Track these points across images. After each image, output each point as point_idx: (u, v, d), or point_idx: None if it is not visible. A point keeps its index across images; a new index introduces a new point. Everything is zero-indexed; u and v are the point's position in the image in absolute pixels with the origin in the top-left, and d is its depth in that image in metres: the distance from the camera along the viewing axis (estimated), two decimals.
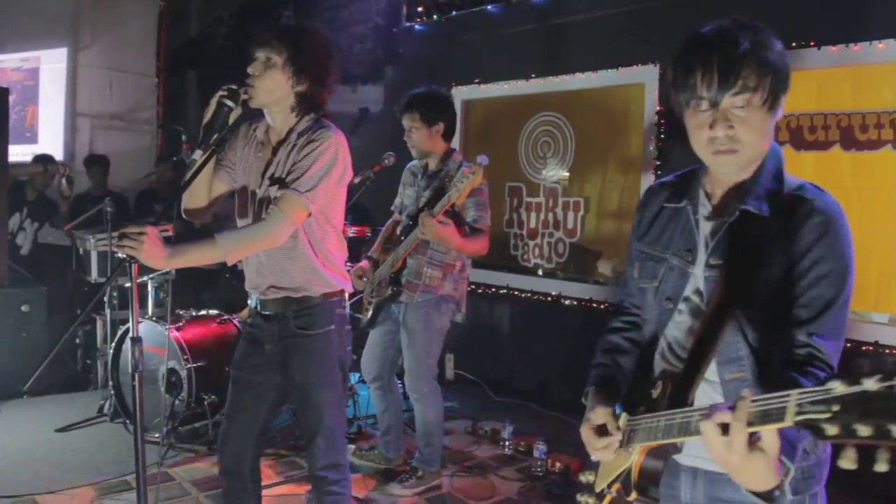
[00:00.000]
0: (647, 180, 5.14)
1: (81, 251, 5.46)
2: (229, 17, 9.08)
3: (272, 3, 7.97)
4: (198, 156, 2.53)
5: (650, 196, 1.92)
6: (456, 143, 5.40)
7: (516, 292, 6.04)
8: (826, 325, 1.54)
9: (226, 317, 5.01)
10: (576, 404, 1.91)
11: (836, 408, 1.12)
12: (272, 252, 2.71)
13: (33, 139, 7.99)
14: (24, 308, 5.69)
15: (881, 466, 1.06)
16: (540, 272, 5.94)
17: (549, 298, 5.79)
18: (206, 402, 4.56)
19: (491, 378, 6.08)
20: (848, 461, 1.10)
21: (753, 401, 1.27)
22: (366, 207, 5.90)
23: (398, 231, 4.17)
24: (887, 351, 4.08)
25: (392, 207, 4.37)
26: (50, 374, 5.64)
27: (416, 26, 6.81)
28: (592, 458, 1.79)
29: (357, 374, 5.36)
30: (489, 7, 6.11)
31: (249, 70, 2.65)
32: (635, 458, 1.65)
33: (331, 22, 7.74)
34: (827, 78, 4.29)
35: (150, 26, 8.48)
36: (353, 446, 4.54)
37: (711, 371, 1.65)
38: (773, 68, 1.58)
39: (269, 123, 2.79)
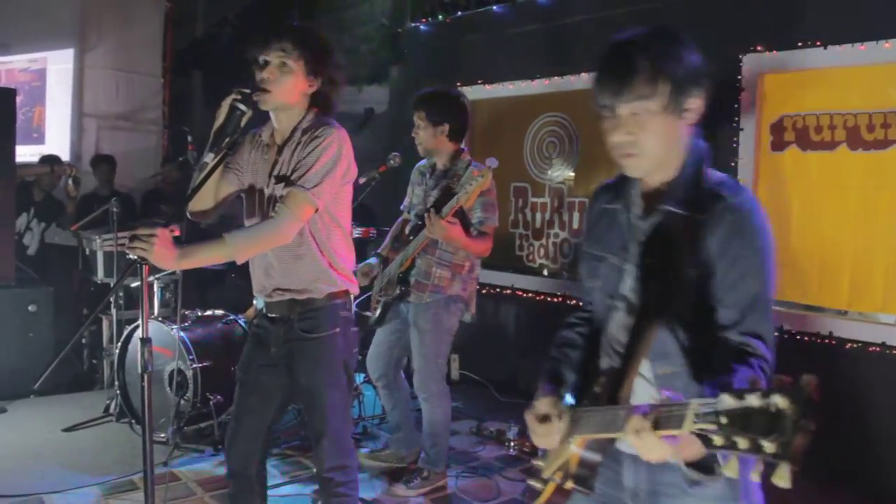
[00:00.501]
0: None
1: (88, 251, 5.47)
2: (235, 17, 9.10)
3: (277, 5, 7.99)
4: (209, 159, 2.55)
5: (594, 199, 2.01)
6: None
7: (521, 293, 6.04)
8: (755, 321, 1.61)
9: (231, 317, 5.02)
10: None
11: (723, 420, 1.19)
12: (280, 252, 2.71)
13: (40, 140, 8.02)
14: (30, 308, 5.71)
15: (754, 478, 1.17)
16: (545, 272, 5.94)
17: (555, 299, 5.79)
18: (211, 403, 4.56)
19: (496, 378, 6.08)
20: (730, 470, 1.22)
21: (664, 406, 1.37)
22: (370, 208, 5.90)
23: (407, 230, 4.17)
24: (894, 352, 4.07)
25: (401, 207, 4.38)
26: (56, 374, 5.64)
27: (422, 27, 6.80)
28: (536, 444, 1.86)
29: (363, 375, 5.38)
30: (494, 7, 6.11)
31: (264, 75, 2.65)
32: (573, 448, 1.71)
33: (336, 23, 7.76)
34: (833, 78, 4.28)
35: (156, 27, 8.49)
36: (366, 450, 4.53)
37: (646, 367, 1.71)
38: (671, 76, 1.65)
39: (274, 125, 2.80)
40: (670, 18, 4.98)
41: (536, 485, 1.84)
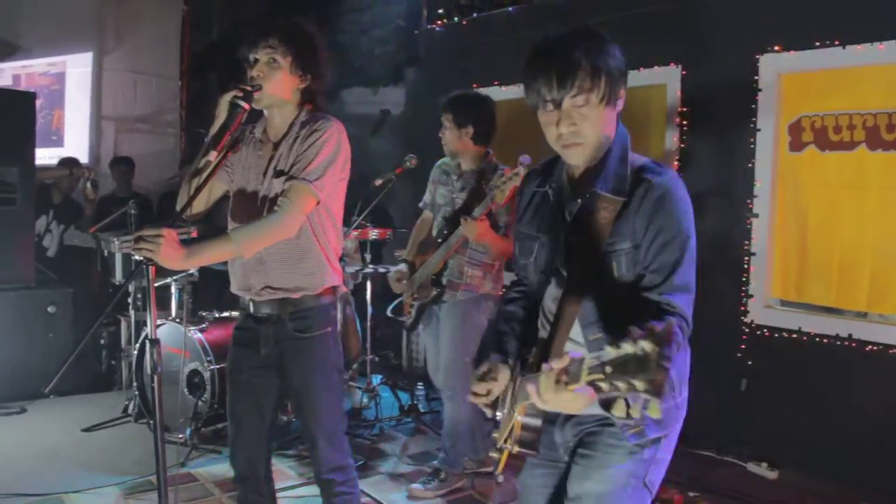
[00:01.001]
0: None
1: (106, 253, 5.51)
2: (250, 20, 9.13)
3: (293, 6, 8.01)
4: (212, 157, 2.55)
5: (525, 182, 2.21)
6: None
7: None
8: (675, 284, 1.80)
9: None
10: None
11: (608, 369, 1.36)
12: (281, 248, 2.69)
13: (59, 142, 8.08)
14: (50, 309, 5.75)
15: (635, 413, 1.37)
16: None
17: None
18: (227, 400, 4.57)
19: None
20: (618, 410, 1.45)
21: (569, 363, 1.52)
22: (386, 209, 5.91)
23: (434, 233, 4.18)
24: None
25: (420, 204, 4.37)
26: (76, 375, 5.69)
27: (438, 28, 6.80)
28: (486, 413, 2.04)
29: (379, 377, 5.39)
30: (510, 9, 6.10)
31: (253, 73, 2.66)
32: (517, 416, 1.88)
33: (352, 24, 7.77)
34: (852, 77, 4.24)
35: (173, 30, 8.55)
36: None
37: (577, 333, 1.89)
38: (606, 70, 1.83)
39: (269, 122, 2.80)
40: (686, 19, 4.96)
41: (494, 455, 2.00)
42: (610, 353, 1.35)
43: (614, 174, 1.88)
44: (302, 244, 2.71)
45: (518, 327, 2.12)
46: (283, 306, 2.74)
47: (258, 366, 2.78)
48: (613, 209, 1.84)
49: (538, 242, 2.03)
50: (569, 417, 2.00)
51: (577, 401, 1.56)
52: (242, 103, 2.57)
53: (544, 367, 1.58)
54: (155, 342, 2.36)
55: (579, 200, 1.92)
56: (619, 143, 1.93)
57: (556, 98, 1.84)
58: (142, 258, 2.33)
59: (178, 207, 2.66)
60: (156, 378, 2.35)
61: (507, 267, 4.29)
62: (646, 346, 1.29)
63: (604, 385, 1.36)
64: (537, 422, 1.87)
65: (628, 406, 1.44)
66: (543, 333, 1.97)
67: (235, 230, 2.59)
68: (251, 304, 2.79)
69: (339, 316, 2.89)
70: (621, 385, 1.32)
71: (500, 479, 2.07)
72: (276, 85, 2.67)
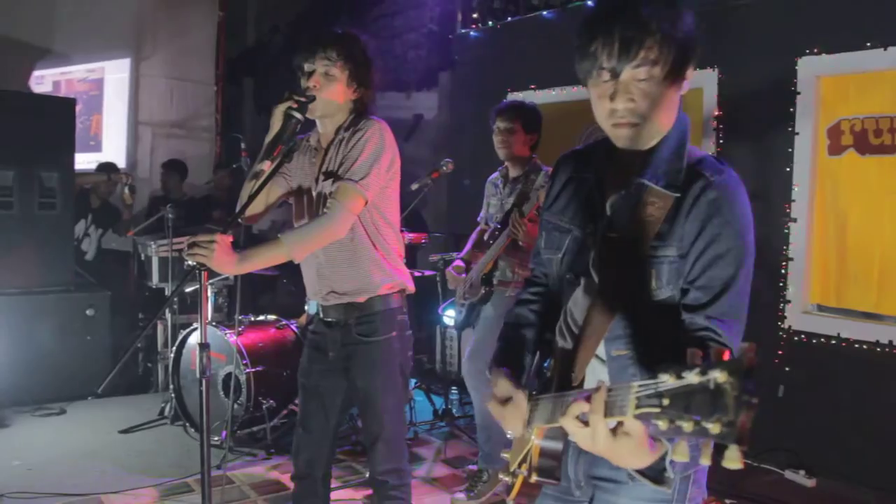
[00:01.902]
0: None
1: (143, 257, 5.59)
2: (285, 25, 9.21)
3: (327, 11, 8.07)
4: (266, 166, 2.59)
5: (560, 165, 1.88)
6: None
7: None
8: (724, 307, 1.49)
9: (283, 322, 5.07)
10: None
11: (665, 402, 1.08)
12: (333, 251, 2.73)
13: (97, 147, 8.21)
14: (88, 312, 5.84)
15: (704, 461, 1.03)
16: None
17: None
18: (264, 407, 4.62)
19: None
20: (680, 454, 1.09)
21: (609, 390, 1.24)
22: (421, 215, 5.92)
23: (486, 236, 4.23)
24: None
25: (478, 218, 4.44)
26: (113, 377, 5.74)
27: (472, 33, 6.81)
28: (507, 434, 1.75)
29: (413, 381, 5.40)
30: (544, 13, 6.09)
31: (309, 84, 2.69)
32: (534, 439, 1.61)
33: (385, 29, 7.80)
34: (893, 80, 4.18)
35: (209, 36, 8.65)
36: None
37: (601, 349, 1.61)
38: (677, 42, 1.53)
39: (320, 130, 2.85)
40: (722, 22, 4.91)
41: (507, 478, 1.75)
42: (666, 380, 1.08)
43: (668, 166, 1.58)
44: (356, 246, 2.74)
45: (529, 334, 1.85)
46: (350, 311, 2.78)
47: (326, 369, 2.85)
48: (662, 207, 1.54)
49: (570, 236, 1.74)
50: (581, 450, 1.66)
51: (605, 441, 1.26)
52: (297, 115, 2.59)
53: (580, 393, 1.33)
54: (205, 346, 2.40)
55: (623, 191, 1.63)
56: (677, 132, 1.63)
57: (615, 67, 1.53)
58: (195, 263, 2.37)
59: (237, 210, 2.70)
60: (203, 382, 2.39)
61: None
62: (719, 377, 1.02)
63: (661, 422, 1.08)
64: (558, 446, 1.59)
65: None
66: (565, 345, 1.67)
67: (286, 234, 2.62)
68: (321, 308, 2.86)
69: (406, 320, 2.89)
70: (685, 425, 1.04)
71: None
72: (331, 96, 2.71)
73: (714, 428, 1.01)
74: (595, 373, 1.63)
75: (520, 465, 1.70)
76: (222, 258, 2.37)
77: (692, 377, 1.04)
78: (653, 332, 1.54)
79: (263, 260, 2.61)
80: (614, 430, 1.25)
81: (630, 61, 1.52)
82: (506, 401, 1.64)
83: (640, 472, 1.38)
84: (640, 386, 1.15)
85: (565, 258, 1.75)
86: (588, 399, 1.28)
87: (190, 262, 2.39)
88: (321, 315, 2.87)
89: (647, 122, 1.57)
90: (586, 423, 1.28)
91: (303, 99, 2.61)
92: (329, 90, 2.69)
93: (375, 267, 2.76)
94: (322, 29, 2.79)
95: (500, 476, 1.83)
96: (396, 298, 2.82)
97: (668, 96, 1.58)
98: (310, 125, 2.83)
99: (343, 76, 2.71)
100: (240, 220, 2.80)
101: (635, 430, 1.22)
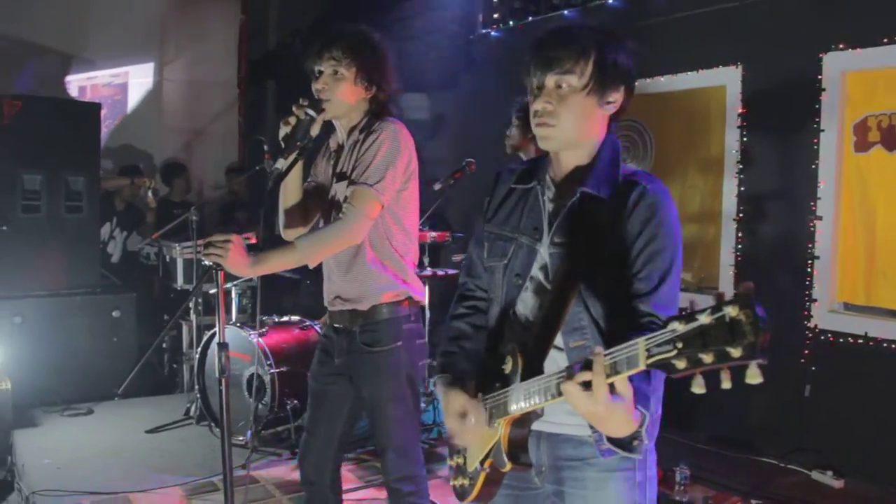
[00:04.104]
0: (730, 184, 5.03)
1: (168, 259, 5.63)
2: (306, 28, 9.25)
3: (347, 13, 8.09)
4: (280, 164, 2.55)
5: (499, 179, 2.06)
6: None
7: None
8: (663, 295, 1.71)
9: (307, 323, 5.09)
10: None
11: (679, 345, 1.27)
12: (338, 258, 2.71)
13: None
14: (114, 314, 5.90)
15: (726, 384, 1.21)
16: None
17: None
18: (288, 407, 4.64)
19: None
20: (698, 387, 1.25)
21: (606, 355, 1.43)
22: (443, 214, 5.92)
23: None
24: None
25: None
26: (139, 378, 5.82)
27: (493, 33, 6.81)
28: (459, 443, 1.92)
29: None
30: (566, 12, 6.07)
31: (318, 86, 2.67)
32: (502, 431, 1.76)
33: (405, 31, 7.81)
34: None
35: (231, 39, 8.70)
36: None
37: (557, 340, 1.79)
38: (597, 60, 1.77)
39: (337, 132, 2.82)
40: (746, 18, 4.88)
41: (464, 482, 1.91)
42: (677, 327, 1.27)
43: (606, 176, 1.80)
44: (359, 251, 2.69)
45: (469, 344, 2.02)
46: (354, 318, 2.74)
47: (333, 373, 2.82)
48: (604, 212, 1.76)
49: (514, 244, 1.90)
50: (542, 435, 1.87)
51: (604, 402, 1.44)
52: (311, 112, 2.57)
53: (574, 367, 1.49)
54: (224, 346, 2.40)
55: (572, 199, 1.81)
56: (609, 146, 1.86)
57: (540, 77, 1.80)
58: (211, 263, 2.37)
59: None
60: (223, 381, 2.39)
61: None
62: (731, 311, 1.19)
63: (678, 362, 1.26)
64: (524, 432, 1.77)
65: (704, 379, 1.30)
66: (514, 340, 1.81)
67: (300, 238, 2.59)
68: (329, 313, 2.84)
69: (417, 328, 2.83)
70: (706, 357, 1.22)
71: None
72: (341, 96, 2.67)
73: (736, 352, 1.18)
74: (556, 362, 1.78)
75: (482, 463, 1.82)
76: (236, 259, 2.36)
77: (704, 318, 1.23)
78: (606, 322, 1.75)
79: (277, 263, 2.59)
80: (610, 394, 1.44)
81: (549, 70, 1.78)
82: (462, 415, 1.83)
83: (615, 442, 1.61)
84: (648, 339, 1.34)
85: (510, 263, 1.91)
86: (584, 366, 1.46)
87: (206, 263, 2.39)
88: (328, 320, 2.85)
89: (564, 126, 1.79)
90: (587, 388, 1.45)
91: (313, 104, 2.58)
92: (337, 90, 2.66)
93: (377, 273, 2.71)
94: (331, 30, 2.74)
95: (452, 483, 1.95)
96: (405, 307, 2.76)
97: (589, 110, 1.80)
98: (329, 128, 2.80)
99: (350, 74, 2.66)
100: (284, 236, 2.79)
101: (626, 392, 1.45)
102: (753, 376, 1.17)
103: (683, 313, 1.28)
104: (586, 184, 1.79)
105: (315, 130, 2.60)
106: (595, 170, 1.82)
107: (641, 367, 1.35)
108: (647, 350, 1.34)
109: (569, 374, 1.49)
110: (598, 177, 1.80)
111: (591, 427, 1.74)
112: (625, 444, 1.61)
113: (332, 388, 2.82)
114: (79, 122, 5.94)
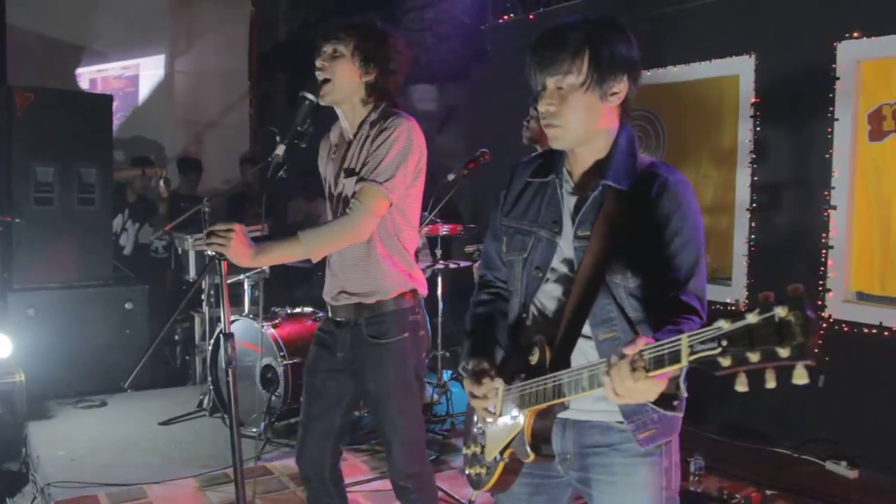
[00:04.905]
0: (743, 174, 5.00)
1: (180, 251, 5.64)
2: (316, 20, 9.25)
3: (358, 4, 8.07)
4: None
5: (514, 173, 2.06)
6: None
7: None
8: (693, 286, 1.72)
9: (320, 314, 5.10)
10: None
11: (725, 342, 1.27)
12: (345, 253, 2.69)
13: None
14: (127, 306, 5.92)
15: (771, 384, 1.23)
16: None
17: None
18: (301, 398, 4.64)
19: None
20: (742, 385, 1.26)
21: (648, 350, 1.44)
22: (456, 205, 5.91)
23: None
24: None
25: None
26: (152, 370, 5.85)
27: (503, 23, 6.78)
28: (476, 425, 1.97)
29: (449, 372, 5.41)
30: (577, 1, 6.04)
31: (317, 63, 2.65)
32: (525, 422, 1.77)
33: (417, 22, 7.80)
34: None
35: (241, 31, 8.70)
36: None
37: (585, 331, 1.80)
38: (594, 56, 1.77)
39: (342, 123, 2.79)
40: (759, 7, 4.85)
41: (480, 471, 1.91)
42: (723, 325, 1.27)
43: (624, 167, 1.81)
44: (371, 248, 2.67)
45: (494, 329, 2.04)
46: (360, 311, 2.71)
47: (333, 369, 2.78)
48: (625, 204, 1.77)
49: (534, 237, 1.91)
50: (567, 423, 1.87)
51: (657, 387, 1.48)
52: (309, 96, 2.57)
53: (612, 358, 1.50)
54: (229, 336, 2.39)
55: (594, 193, 1.82)
56: (624, 138, 1.86)
57: (539, 79, 1.82)
58: (213, 253, 2.37)
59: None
60: (230, 372, 2.38)
61: None
62: (781, 312, 1.19)
63: (723, 360, 1.27)
64: (547, 423, 1.79)
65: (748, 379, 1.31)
66: (536, 332, 1.83)
67: (305, 232, 2.56)
68: (330, 307, 2.81)
69: (421, 320, 2.81)
70: (752, 356, 1.22)
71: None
72: (340, 76, 2.63)
73: (784, 352, 1.19)
74: (584, 353, 1.81)
75: (501, 453, 1.83)
76: (238, 248, 2.35)
77: (751, 318, 1.23)
78: (634, 314, 1.77)
79: (280, 255, 2.58)
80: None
81: (547, 72, 1.79)
82: (477, 374, 1.87)
83: (657, 403, 1.57)
84: (691, 336, 1.34)
85: (530, 257, 1.92)
86: (633, 358, 1.46)
87: (209, 252, 2.38)
88: (330, 314, 2.81)
89: (569, 125, 1.80)
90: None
91: (309, 96, 2.58)
92: (335, 68, 2.63)
93: (390, 270, 2.68)
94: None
95: (467, 472, 1.95)
96: (409, 298, 2.73)
97: (593, 105, 1.80)
98: (329, 120, 2.79)
99: (347, 51, 2.63)
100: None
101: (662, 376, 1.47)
102: (800, 377, 1.18)
103: (730, 311, 1.28)
104: (606, 176, 1.80)
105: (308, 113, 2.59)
106: (613, 162, 1.82)
107: (684, 363, 1.36)
108: (691, 346, 1.34)
109: (611, 366, 1.50)
110: (617, 169, 1.81)
111: (627, 418, 1.78)
112: (666, 402, 1.58)
113: (331, 383, 2.78)
114: (91, 114, 5.96)
